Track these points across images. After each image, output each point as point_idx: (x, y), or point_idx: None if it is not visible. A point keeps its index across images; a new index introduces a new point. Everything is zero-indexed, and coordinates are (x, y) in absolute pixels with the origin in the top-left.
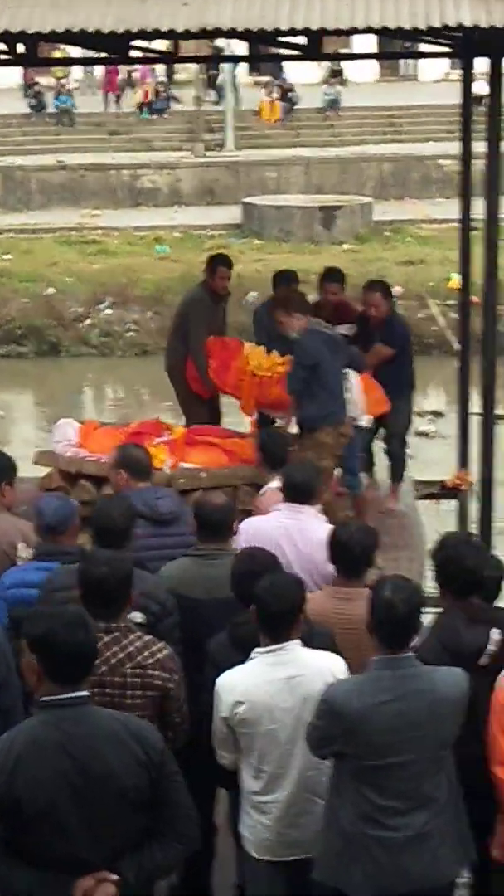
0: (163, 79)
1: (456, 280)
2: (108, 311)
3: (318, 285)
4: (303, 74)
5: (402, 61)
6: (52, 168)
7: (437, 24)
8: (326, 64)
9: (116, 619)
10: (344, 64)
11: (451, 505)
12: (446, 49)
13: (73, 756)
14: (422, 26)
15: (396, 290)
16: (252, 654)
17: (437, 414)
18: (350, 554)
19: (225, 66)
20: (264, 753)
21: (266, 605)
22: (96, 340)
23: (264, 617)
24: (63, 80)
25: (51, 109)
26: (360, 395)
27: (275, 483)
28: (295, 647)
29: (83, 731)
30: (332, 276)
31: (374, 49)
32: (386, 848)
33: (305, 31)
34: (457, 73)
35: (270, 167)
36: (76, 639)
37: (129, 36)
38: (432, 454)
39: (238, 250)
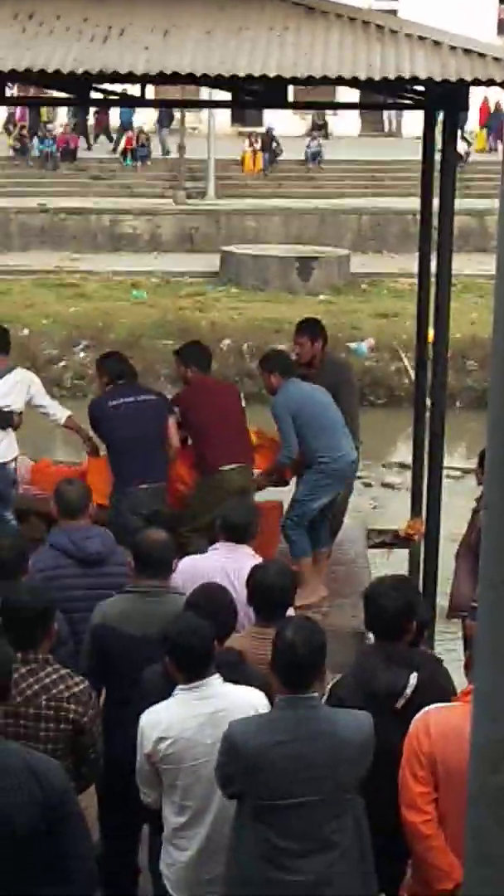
0: (146, 126)
1: (431, 334)
2: (83, 354)
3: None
4: (286, 127)
5: (385, 118)
6: (33, 211)
7: (392, 76)
8: (310, 117)
9: (35, 651)
10: (328, 118)
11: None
12: (409, 102)
13: None
14: (377, 77)
15: (369, 342)
16: (174, 692)
17: (404, 466)
18: (267, 595)
19: (203, 116)
20: (187, 789)
21: (179, 646)
22: (69, 383)
23: (179, 657)
24: (49, 125)
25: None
26: None
27: None
28: (216, 681)
29: None
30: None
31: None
32: (285, 890)
33: (263, 78)
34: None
35: (250, 217)
36: None
37: (90, 78)
38: (396, 505)
39: (214, 298)
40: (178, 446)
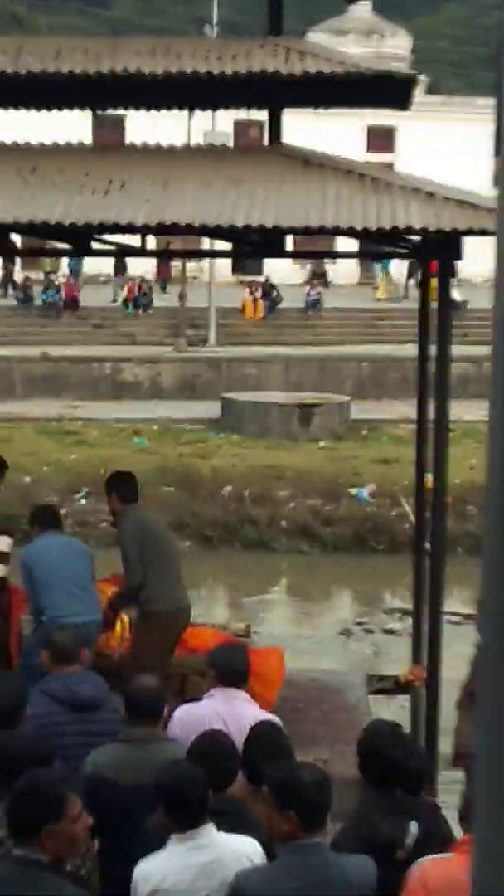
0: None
1: (430, 479)
2: (83, 502)
3: None
4: (286, 275)
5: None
6: (36, 360)
7: (387, 226)
8: (309, 266)
9: None
10: (327, 267)
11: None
12: (405, 251)
13: None
14: (373, 228)
15: (370, 488)
16: (168, 842)
17: (405, 612)
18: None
19: (204, 265)
20: None
21: (172, 794)
22: (70, 530)
23: (172, 806)
24: (52, 275)
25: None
26: None
27: None
28: (210, 831)
29: None
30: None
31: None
32: None
33: (262, 229)
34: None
35: (251, 364)
36: None
37: (90, 229)
38: (398, 652)
39: (215, 445)
40: None
